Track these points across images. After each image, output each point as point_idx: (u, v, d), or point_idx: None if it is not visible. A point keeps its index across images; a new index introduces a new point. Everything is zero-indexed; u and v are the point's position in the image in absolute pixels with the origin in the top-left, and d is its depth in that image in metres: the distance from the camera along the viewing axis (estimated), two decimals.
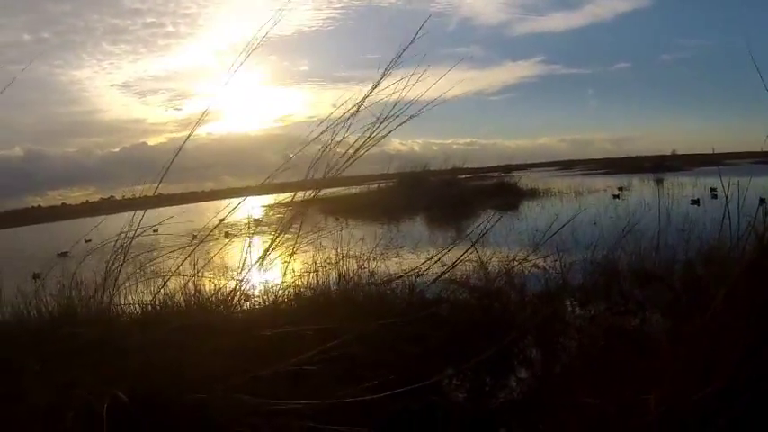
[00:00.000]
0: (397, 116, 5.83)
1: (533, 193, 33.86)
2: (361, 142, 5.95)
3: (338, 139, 5.90)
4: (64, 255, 15.52)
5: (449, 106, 5.77)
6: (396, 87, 5.81)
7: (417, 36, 5.83)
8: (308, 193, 6.32)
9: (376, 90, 5.86)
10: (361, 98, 5.86)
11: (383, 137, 5.89)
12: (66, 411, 3.72)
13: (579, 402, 3.93)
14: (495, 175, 50.26)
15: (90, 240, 8.04)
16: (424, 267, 6.34)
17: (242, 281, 5.77)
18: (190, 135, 6.00)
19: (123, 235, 6.38)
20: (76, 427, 3.63)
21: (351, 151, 5.95)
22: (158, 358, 4.17)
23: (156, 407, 3.72)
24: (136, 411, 3.61)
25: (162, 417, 3.68)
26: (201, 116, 6.15)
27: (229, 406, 3.79)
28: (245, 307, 5.79)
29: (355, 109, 5.87)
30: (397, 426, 4.01)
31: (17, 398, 4.00)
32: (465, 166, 43.08)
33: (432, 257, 6.37)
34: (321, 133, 5.93)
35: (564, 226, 7.59)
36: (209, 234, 6.36)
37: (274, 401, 3.75)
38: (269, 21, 5.92)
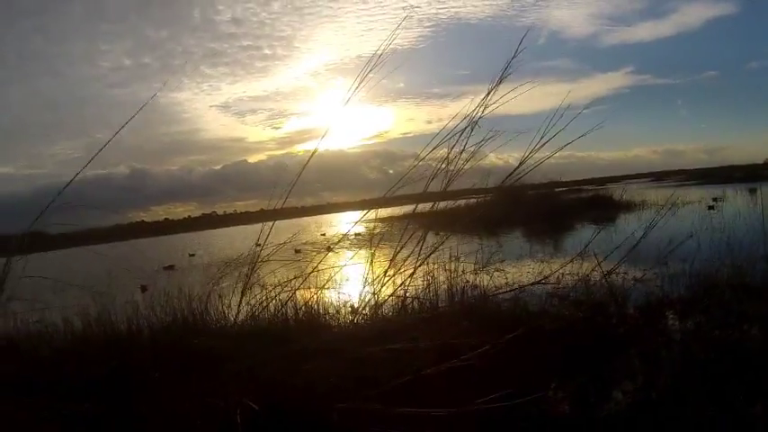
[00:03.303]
0: (498, 132, 5.86)
1: (628, 206, 33.30)
2: (460, 157, 5.99)
3: (438, 154, 5.94)
4: (170, 268, 15.91)
5: (540, 119, 5.74)
6: (490, 102, 5.84)
7: (519, 51, 5.84)
8: (406, 208, 6.41)
9: (472, 106, 5.89)
10: (459, 114, 5.89)
11: (483, 154, 5.93)
12: (199, 419, 3.88)
13: (685, 414, 3.90)
14: (590, 187, 49.67)
15: (194, 254, 8.31)
16: (527, 283, 6.34)
17: (361, 295, 5.89)
18: (312, 155, 6.10)
19: (229, 249, 6.55)
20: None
21: (450, 167, 5.99)
22: (285, 370, 4.30)
23: (286, 416, 3.84)
24: (268, 421, 3.74)
25: (292, 426, 3.80)
26: (323, 134, 6.22)
27: (358, 415, 3.88)
28: (363, 321, 5.88)
29: (455, 124, 5.91)
30: None
31: (152, 406, 4.18)
32: (561, 180, 42.80)
33: (540, 273, 6.37)
34: (432, 149, 5.99)
35: (677, 245, 7.49)
36: (313, 248, 6.51)
37: (401, 410, 3.83)
38: (385, 40, 5.99)
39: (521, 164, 5.80)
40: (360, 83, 5.68)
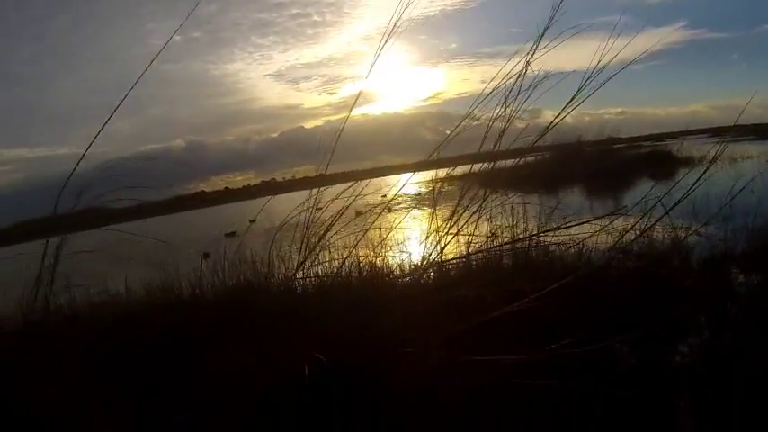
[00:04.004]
0: (550, 88, 5.82)
1: (687, 161, 32.71)
2: (514, 115, 5.97)
3: (493, 113, 5.92)
4: (231, 235, 16.09)
5: (596, 76, 5.67)
6: (544, 59, 5.79)
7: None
8: (465, 167, 6.41)
9: (525, 63, 5.85)
10: (512, 72, 5.86)
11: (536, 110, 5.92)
12: (266, 372, 3.96)
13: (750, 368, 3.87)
14: (648, 143, 48.99)
15: (254, 221, 8.34)
16: (589, 234, 6.30)
17: (423, 252, 5.92)
18: (345, 121, 6.13)
19: (287, 214, 6.61)
20: (284, 387, 3.85)
21: (506, 125, 5.97)
22: (351, 323, 4.36)
23: (353, 367, 3.90)
24: (335, 372, 3.80)
25: (359, 376, 3.86)
26: (356, 98, 6.27)
27: (427, 362, 3.92)
28: (426, 275, 5.90)
29: (508, 82, 5.88)
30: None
31: (217, 363, 4.26)
32: (619, 136, 42.50)
33: (601, 228, 6.32)
34: (473, 108, 5.98)
35: (734, 195, 7.36)
36: (372, 209, 6.54)
37: (470, 357, 3.86)
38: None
39: (557, 116, 5.79)
40: (381, 47, 5.70)
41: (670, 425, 4.03)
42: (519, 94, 5.72)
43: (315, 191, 6.25)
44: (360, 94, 6.24)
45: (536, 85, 5.69)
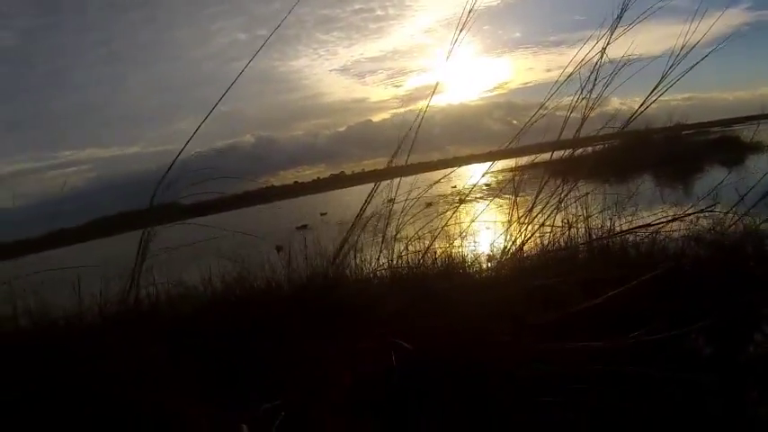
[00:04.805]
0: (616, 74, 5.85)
1: (757, 147, 31.92)
2: (586, 104, 5.99)
3: (572, 101, 5.96)
4: (303, 227, 16.20)
5: (659, 62, 5.67)
6: (617, 44, 5.80)
7: None
8: (532, 157, 6.46)
9: (602, 48, 5.86)
10: (587, 58, 5.88)
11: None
12: (351, 362, 4.07)
13: None
14: (717, 129, 47.99)
15: (325, 213, 8.48)
16: (663, 221, 6.29)
17: (497, 242, 6.00)
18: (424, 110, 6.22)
19: (359, 206, 6.70)
20: (369, 376, 3.96)
21: (575, 114, 6.01)
22: (431, 313, 4.45)
23: (437, 356, 3.99)
24: (420, 361, 3.90)
25: (443, 364, 3.95)
26: (433, 89, 6.37)
27: (514, 350, 4.00)
28: (502, 266, 5.96)
29: (582, 69, 5.91)
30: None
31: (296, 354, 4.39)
32: (687, 122, 41.76)
33: (673, 216, 6.30)
34: (551, 95, 6.01)
35: None
36: (444, 199, 6.64)
37: (552, 344, 3.94)
38: None
39: (641, 106, 5.80)
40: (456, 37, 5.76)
41: (743, 414, 4.04)
42: (596, 80, 5.76)
43: (387, 182, 6.35)
44: (436, 85, 6.34)
45: (618, 71, 5.73)
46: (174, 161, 5.72)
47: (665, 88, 5.68)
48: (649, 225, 6.20)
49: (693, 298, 5.45)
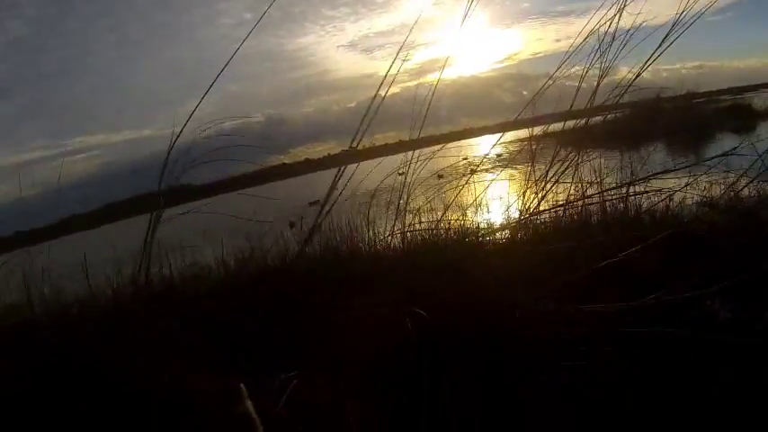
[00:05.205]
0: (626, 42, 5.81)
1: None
2: (591, 73, 5.97)
3: (584, 69, 5.93)
4: (315, 204, 16.12)
5: (666, 29, 5.63)
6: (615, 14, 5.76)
7: None
8: (544, 127, 6.44)
9: (597, 19, 5.83)
10: (599, 24, 5.84)
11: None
12: (367, 329, 4.07)
13: None
14: (728, 97, 47.73)
15: (337, 188, 8.45)
16: (675, 189, 6.28)
17: (511, 210, 6.01)
18: (436, 84, 6.20)
19: (371, 180, 6.71)
20: (387, 341, 3.95)
21: (584, 84, 5.99)
22: (447, 280, 4.44)
23: (455, 322, 3.99)
24: (437, 327, 3.89)
25: (461, 330, 3.94)
26: (445, 62, 6.33)
27: (534, 313, 3.99)
28: (515, 233, 5.95)
29: (593, 37, 5.88)
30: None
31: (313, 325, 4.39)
32: (698, 91, 41.62)
33: (686, 183, 6.29)
34: (564, 62, 5.97)
35: None
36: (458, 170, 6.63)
37: (574, 306, 3.93)
38: None
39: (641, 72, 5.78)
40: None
41: (760, 379, 4.03)
42: (609, 47, 5.73)
43: (401, 156, 6.34)
44: (447, 59, 6.31)
45: (629, 37, 5.69)
46: (173, 142, 5.72)
47: (661, 51, 5.64)
48: (661, 190, 6.18)
49: (710, 261, 5.43)
